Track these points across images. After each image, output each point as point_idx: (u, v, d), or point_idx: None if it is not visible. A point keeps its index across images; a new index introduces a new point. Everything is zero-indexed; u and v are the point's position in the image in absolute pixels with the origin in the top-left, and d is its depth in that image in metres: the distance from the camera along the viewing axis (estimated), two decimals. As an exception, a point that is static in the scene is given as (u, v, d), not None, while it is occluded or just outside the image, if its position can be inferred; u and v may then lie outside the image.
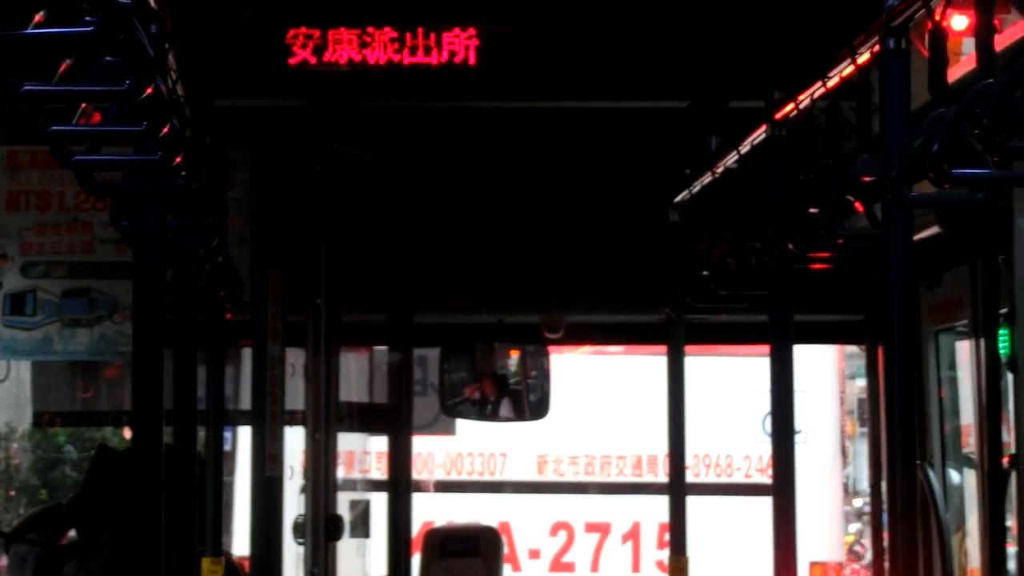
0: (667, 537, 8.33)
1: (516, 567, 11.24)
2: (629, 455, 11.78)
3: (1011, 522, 6.82)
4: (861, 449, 11.60)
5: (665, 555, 8.51)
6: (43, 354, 7.69)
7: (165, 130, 3.88)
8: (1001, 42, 4.29)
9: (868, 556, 13.22)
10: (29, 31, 2.99)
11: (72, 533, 7.36)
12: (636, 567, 12.06)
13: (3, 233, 7.46)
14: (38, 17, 2.98)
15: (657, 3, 7.45)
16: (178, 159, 4.28)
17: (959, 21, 4.83)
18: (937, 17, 4.27)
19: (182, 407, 5.97)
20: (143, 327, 4.66)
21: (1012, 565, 6.86)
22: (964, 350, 7.81)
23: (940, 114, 4.07)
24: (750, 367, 9.03)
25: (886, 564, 6.18)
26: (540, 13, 7.35)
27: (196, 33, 5.97)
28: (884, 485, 8.32)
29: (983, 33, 4.07)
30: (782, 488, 5.97)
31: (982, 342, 7.16)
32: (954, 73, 4.67)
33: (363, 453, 9.00)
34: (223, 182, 6.77)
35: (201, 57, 6.01)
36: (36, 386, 8.26)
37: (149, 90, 3.49)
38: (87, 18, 2.96)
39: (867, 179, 4.92)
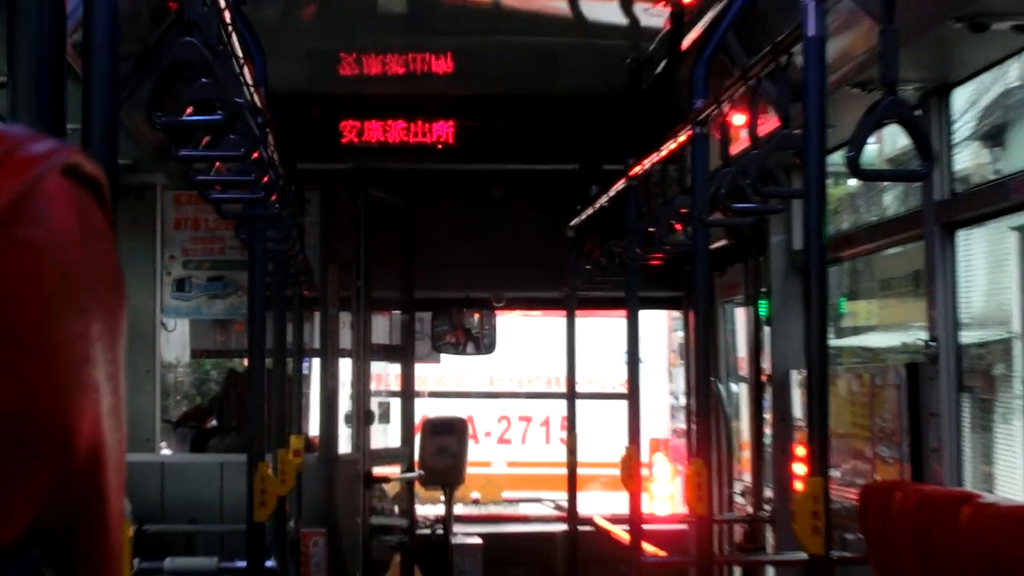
0: (565, 424, 8.88)
1: (476, 441, 11.25)
2: (544, 376, 12.07)
3: (767, 415, 7.33)
4: (678, 373, 11.38)
5: (564, 434, 9.24)
6: (195, 315, 8.25)
7: (265, 179, 4.31)
8: (764, 130, 4.50)
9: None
10: (185, 119, 3.27)
11: (213, 421, 8.28)
12: (547, 441, 12.54)
13: (172, 243, 8.06)
14: (189, 110, 3.24)
15: (563, 112, 8.18)
16: (274, 197, 4.71)
17: (738, 118, 4.98)
18: (726, 114, 4.87)
19: (278, 346, 6.50)
20: (255, 299, 5.21)
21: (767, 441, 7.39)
22: (740, 313, 8.35)
23: (726, 171, 4.68)
24: (617, 323, 8.43)
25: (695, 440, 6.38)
26: (492, 112, 8.17)
27: (285, 122, 6.13)
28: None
29: (752, 124, 4.51)
30: (633, 395, 6.41)
31: (750, 308, 7.77)
32: (735, 148, 5.02)
33: (386, 374, 9.44)
34: (302, 211, 7.27)
35: (289, 137, 6.19)
36: (192, 334, 8.72)
37: (256, 155, 3.85)
38: (219, 112, 3.20)
39: (683, 211, 5.40)
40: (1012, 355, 6.18)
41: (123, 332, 0.73)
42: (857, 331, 8.25)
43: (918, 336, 5.55)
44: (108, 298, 0.71)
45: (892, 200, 6.99)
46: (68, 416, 0.66)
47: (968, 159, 6.03)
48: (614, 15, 6.74)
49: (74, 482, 0.68)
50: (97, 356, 0.69)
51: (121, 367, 0.72)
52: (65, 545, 0.69)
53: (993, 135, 6.10)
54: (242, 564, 4.90)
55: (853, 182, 7.32)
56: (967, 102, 5.65)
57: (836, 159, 5.15)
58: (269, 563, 5.14)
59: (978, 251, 5.96)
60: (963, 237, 5.39)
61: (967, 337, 5.55)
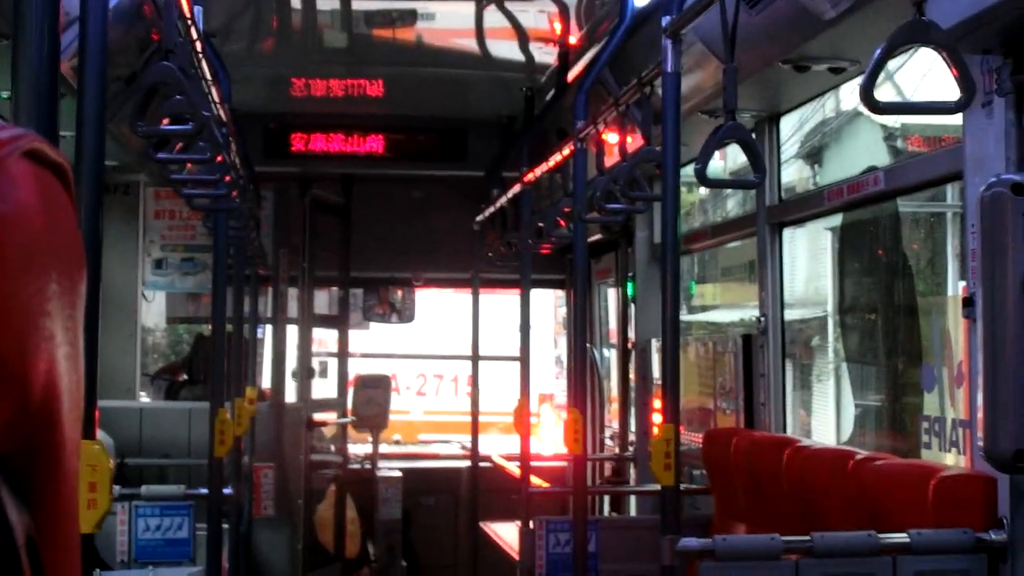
0: (470, 380, 8.96)
1: (398, 393, 11.01)
2: (453, 341, 11.19)
3: (632, 375, 7.21)
4: (561, 340, 10.99)
5: (469, 389, 9.18)
6: (171, 289, 8.24)
7: (228, 178, 4.20)
8: (631, 146, 4.49)
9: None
10: (162, 128, 3.19)
11: (184, 375, 8.18)
12: (456, 394, 12.52)
13: (152, 230, 7.97)
14: (165, 121, 3.17)
15: (472, 130, 8.10)
16: (235, 193, 4.62)
17: (611, 136, 5.05)
18: (601, 133, 4.93)
19: (237, 315, 6.64)
20: (218, 276, 5.22)
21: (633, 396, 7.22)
22: (612, 293, 8.19)
23: (601, 179, 4.68)
24: (512, 300, 7.92)
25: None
26: (415, 129, 8.15)
27: (246, 133, 6.47)
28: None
29: (622, 141, 4.54)
30: (524, 357, 6.32)
31: (620, 289, 7.63)
32: (608, 160, 5.01)
33: (325, 338, 9.24)
34: (258, 205, 7.41)
35: (249, 145, 6.55)
36: (168, 304, 8.65)
37: (220, 159, 3.80)
38: (190, 123, 3.11)
39: (567, 210, 5.32)
40: (826, 330, 6.30)
41: (82, 292, 0.70)
42: (704, 309, 8.31)
43: (751, 313, 5.51)
44: (67, 262, 0.68)
45: (732, 204, 6.95)
46: (25, 359, 0.65)
47: (793, 173, 6.01)
48: (514, 52, 6.70)
49: (30, 413, 0.66)
50: (55, 310, 0.67)
51: (80, 321, 0.70)
52: (23, 467, 0.68)
53: (812, 154, 6.13)
54: (204, 491, 4.88)
55: (702, 190, 7.26)
56: (792, 127, 5.65)
57: (688, 171, 4.97)
58: (227, 491, 5.08)
59: (800, 246, 6.01)
60: (788, 235, 5.38)
61: (790, 315, 5.54)
